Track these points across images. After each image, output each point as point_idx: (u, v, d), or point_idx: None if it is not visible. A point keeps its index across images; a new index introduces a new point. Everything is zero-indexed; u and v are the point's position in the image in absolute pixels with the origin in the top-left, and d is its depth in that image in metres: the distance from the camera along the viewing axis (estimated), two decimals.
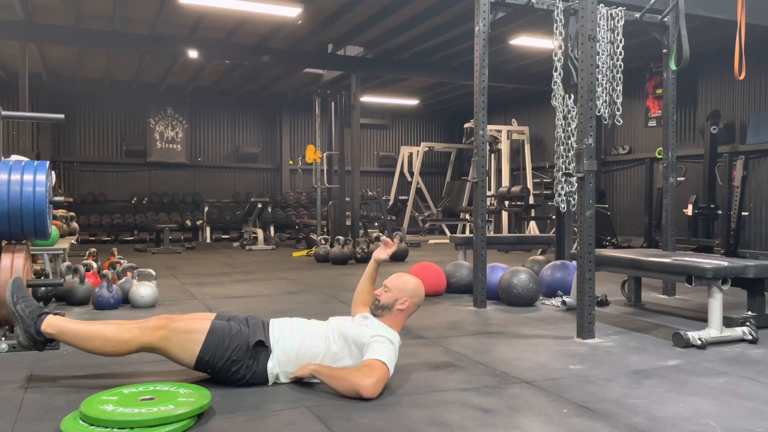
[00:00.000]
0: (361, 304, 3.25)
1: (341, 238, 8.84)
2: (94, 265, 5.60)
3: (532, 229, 12.05)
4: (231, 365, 2.77)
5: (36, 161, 3.75)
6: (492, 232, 11.18)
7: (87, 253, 6.55)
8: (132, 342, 2.74)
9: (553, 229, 7.66)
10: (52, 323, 2.79)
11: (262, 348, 2.82)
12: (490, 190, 12.22)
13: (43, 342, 2.81)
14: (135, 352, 2.79)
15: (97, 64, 11.61)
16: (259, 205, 11.98)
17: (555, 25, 5.06)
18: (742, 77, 5.21)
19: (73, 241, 7.10)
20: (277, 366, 2.84)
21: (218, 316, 2.95)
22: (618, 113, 5.23)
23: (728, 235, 8.81)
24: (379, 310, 3.01)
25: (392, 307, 2.99)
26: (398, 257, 8.87)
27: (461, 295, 5.64)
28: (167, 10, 8.35)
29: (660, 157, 6.95)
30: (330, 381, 2.72)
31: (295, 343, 2.87)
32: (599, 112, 5.11)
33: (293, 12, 8.25)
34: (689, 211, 9.30)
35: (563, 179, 5.09)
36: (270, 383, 2.85)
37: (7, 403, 2.60)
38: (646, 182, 10.40)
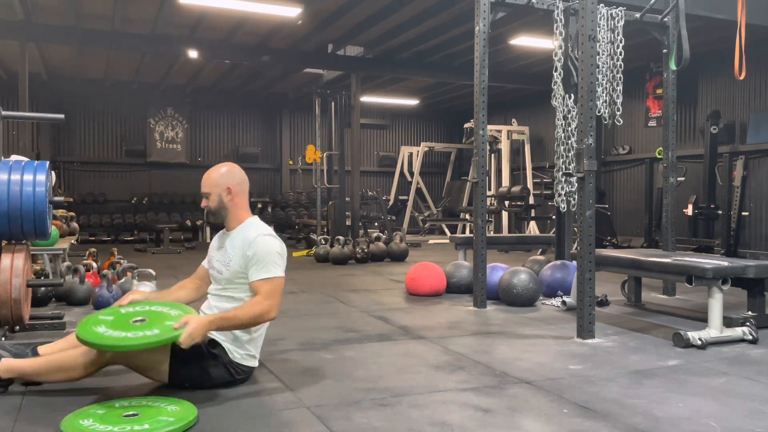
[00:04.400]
0: (181, 287, 3.15)
1: (341, 238, 8.83)
2: (94, 265, 5.60)
3: (532, 229, 12.05)
4: (205, 371, 2.72)
5: (36, 161, 3.75)
6: (492, 232, 11.17)
7: (87, 253, 6.54)
8: (94, 363, 2.64)
9: (553, 229, 7.65)
10: (9, 367, 2.69)
11: (214, 343, 2.78)
12: (490, 190, 12.22)
13: (6, 385, 2.71)
14: (103, 368, 2.70)
15: (97, 64, 11.61)
16: (259, 205, 11.99)
17: (555, 25, 5.06)
18: (742, 77, 5.22)
19: (73, 241, 7.10)
20: (231, 349, 2.79)
21: None
22: (618, 113, 5.23)
23: (728, 235, 8.80)
24: (218, 216, 2.93)
25: (225, 204, 2.91)
26: (398, 257, 8.87)
27: (461, 295, 5.64)
28: (167, 10, 8.35)
29: (660, 157, 6.95)
30: (229, 328, 2.71)
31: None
32: (599, 112, 5.11)
33: (293, 12, 8.24)
34: (689, 211, 9.30)
35: (563, 179, 5.09)
36: (247, 366, 2.83)
37: (7, 403, 2.60)
38: (646, 182, 10.40)
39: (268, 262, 2.78)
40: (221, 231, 3.04)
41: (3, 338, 3.56)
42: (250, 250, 2.80)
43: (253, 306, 2.71)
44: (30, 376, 2.72)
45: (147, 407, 2.46)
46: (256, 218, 3.02)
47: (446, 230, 14.50)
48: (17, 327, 3.85)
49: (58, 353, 2.81)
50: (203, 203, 2.97)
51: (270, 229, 2.97)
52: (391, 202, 14.74)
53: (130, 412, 2.41)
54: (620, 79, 5.20)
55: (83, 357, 2.65)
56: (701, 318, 4.32)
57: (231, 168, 3.03)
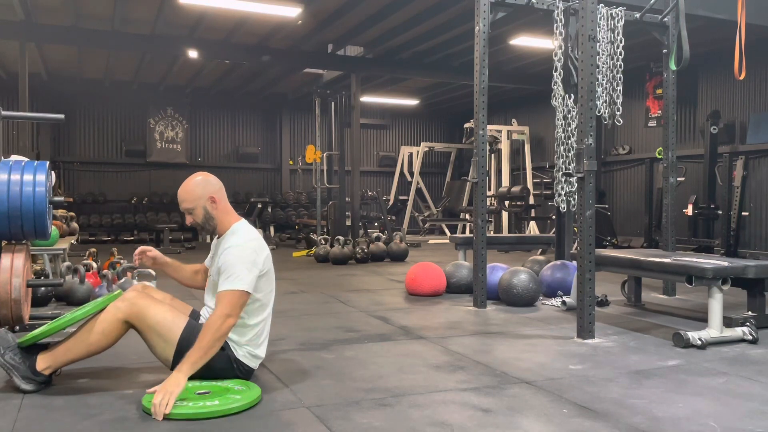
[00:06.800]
0: (196, 272, 3.20)
1: (341, 238, 8.83)
2: (94, 265, 5.60)
3: (532, 229, 12.05)
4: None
5: (36, 161, 3.75)
6: (492, 232, 11.18)
7: (87, 253, 6.54)
8: (115, 329, 2.72)
9: (553, 229, 7.65)
10: (43, 358, 2.74)
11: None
12: (490, 190, 12.23)
13: (47, 379, 2.76)
14: (126, 332, 2.77)
15: (97, 64, 11.61)
16: (259, 205, 11.98)
17: (555, 25, 5.06)
18: (742, 77, 5.21)
19: (73, 241, 7.10)
20: (236, 348, 2.80)
21: (192, 313, 2.96)
22: (618, 113, 5.23)
23: (728, 235, 8.80)
24: (206, 228, 2.90)
25: (212, 214, 2.87)
26: (398, 257, 8.87)
27: (461, 295, 5.64)
28: (167, 10, 8.35)
29: (660, 157, 6.95)
30: (205, 358, 2.60)
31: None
32: (599, 112, 5.11)
33: (293, 12, 8.25)
34: (689, 211, 9.30)
35: (563, 179, 5.09)
36: (248, 366, 2.83)
37: (7, 403, 2.60)
38: (646, 182, 10.40)
39: (231, 273, 2.70)
40: (215, 237, 3.01)
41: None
42: (222, 259, 2.78)
43: (207, 329, 2.62)
44: (62, 359, 2.76)
45: (216, 386, 2.66)
46: (241, 223, 2.94)
47: (446, 230, 14.50)
48: (17, 327, 3.85)
49: (79, 329, 2.80)
50: (188, 220, 2.91)
51: (252, 235, 2.88)
52: (391, 202, 14.74)
53: (202, 391, 2.61)
54: (620, 79, 5.20)
55: (105, 324, 2.72)
56: (701, 318, 4.32)
57: (206, 177, 2.95)
